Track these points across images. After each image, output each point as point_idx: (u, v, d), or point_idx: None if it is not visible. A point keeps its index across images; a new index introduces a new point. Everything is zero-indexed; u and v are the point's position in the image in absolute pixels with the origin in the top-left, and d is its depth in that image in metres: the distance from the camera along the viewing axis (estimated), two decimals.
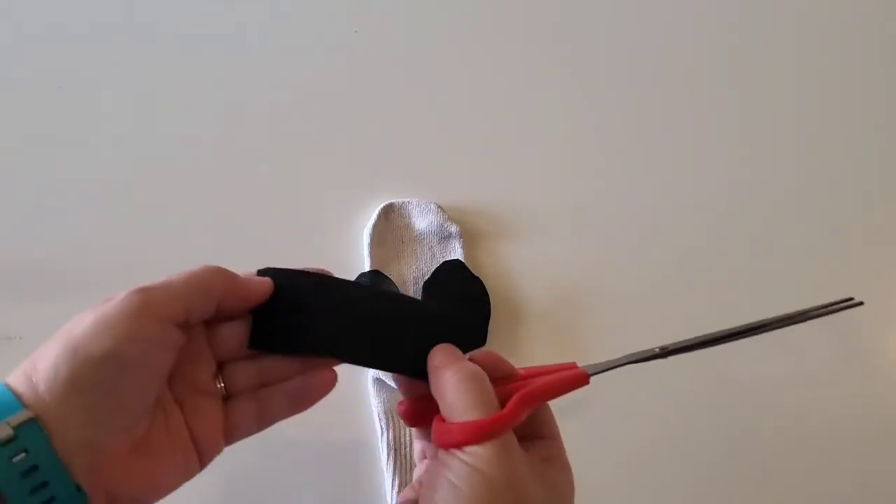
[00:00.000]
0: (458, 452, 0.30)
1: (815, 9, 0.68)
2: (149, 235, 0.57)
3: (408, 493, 0.35)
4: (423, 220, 0.58)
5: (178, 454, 0.30)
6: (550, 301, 0.58)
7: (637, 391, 0.57)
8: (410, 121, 0.62)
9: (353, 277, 0.56)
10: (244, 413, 0.33)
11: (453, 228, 0.58)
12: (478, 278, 0.57)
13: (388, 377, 0.54)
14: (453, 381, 0.33)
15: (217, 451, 0.32)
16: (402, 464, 0.54)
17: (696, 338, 0.38)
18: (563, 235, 0.60)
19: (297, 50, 0.63)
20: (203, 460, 0.31)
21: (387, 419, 0.54)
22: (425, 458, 0.37)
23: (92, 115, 0.59)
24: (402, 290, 0.56)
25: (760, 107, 0.65)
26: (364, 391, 0.55)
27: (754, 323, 0.40)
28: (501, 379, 0.36)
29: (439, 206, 0.58)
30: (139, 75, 0.62)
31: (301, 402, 0.34)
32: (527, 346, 0.57)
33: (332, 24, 0.64)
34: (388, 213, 0.58)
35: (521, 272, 0.59)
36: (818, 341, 0.60)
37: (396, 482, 0.53)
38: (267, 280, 0.33)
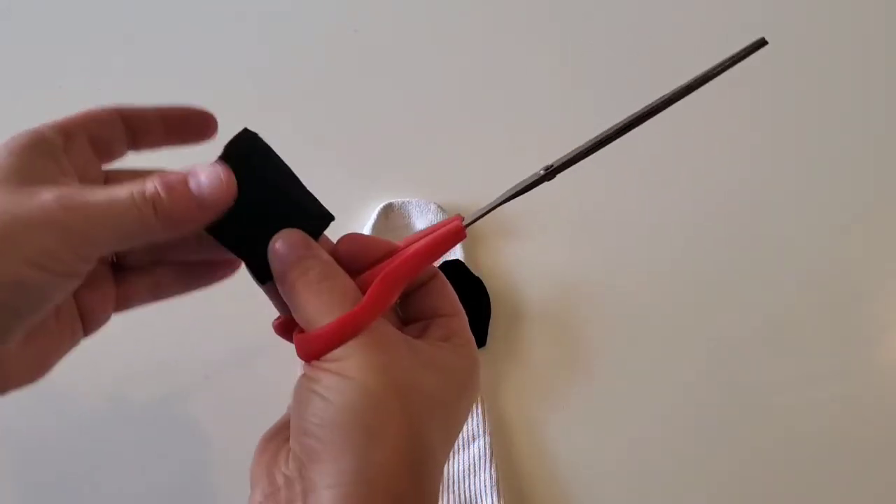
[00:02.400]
0: (320, 362, 0.26)
1: (815, 7, 0.68)
2: None
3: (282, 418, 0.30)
4: (423, 220, 0.58)
5: (65, 330, 0.28)
6: (550, 301, 0.58)
7: (638, 391, 0.57)
8: (410, 120, 0.62)
9: None
10: (138, 284, 0.30)
11: None
12: (478, 278, 0.57)
13: None
14: (300, 285, 0.27)
15: (104, 321, 0.30)
16: None
17: (585, 143, 0.32)
18: (563, 235, 0.60)
19: (296, 49, 0.63)
20: (88, 330, 0.29)
21: None
22: None
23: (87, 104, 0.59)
24: None
25: (761, 106, 0.65)
26: None
27: (654, 103, 0.33)
28: (378, 260, 0.30)
29: (439, 206, 0.58)
30: (138, 74, 0.62)
31: (199, 280, 0.32)
32: (527, 347, 0.57)
33: (332, 24, 0.64)
34: (388, 212, 0.58)
35: (521, 272, 0.59)
36: (819, 341, 0.59)
37: None
38: (227, 186, 0.27)
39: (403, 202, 0.58)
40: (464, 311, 0.32)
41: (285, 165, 0.31)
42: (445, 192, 0.59)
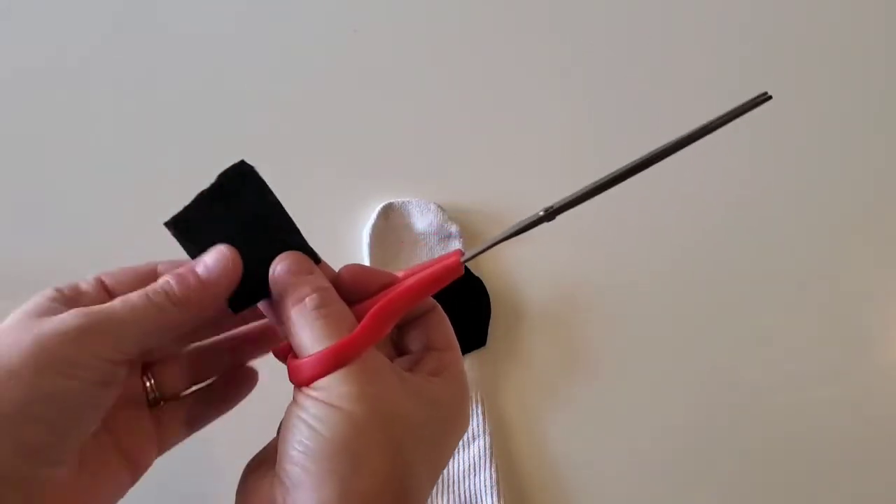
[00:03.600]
0: (309, 390, 0.26)
1: (815, 7, 0.68)
2: (149, 235, 0.56)
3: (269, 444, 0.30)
4: (422, 220, 0.58)
5: (109, 474, 0.28)
6: (551, 301, 0.58)
7: (638, 391, 0.57)
8: (410, 120, 0.62)
9: None
10: (173, 419, 0.31)
11: (453, 228, 0.58)
12: (478, 278, 0.57)
13: None
14: (295, 311, 0.27)
15: (149, 464, 0.30)
16: None
17: (585, 187, 0.33)
18: (563, 235, 0.60)
19: (296, 49, 0.63)
20: (135, 476, 0.29)
21: None
22: None
23: (92, 115, 0.59)
24: None
25: (761, 107, 0.65)
26: None
27: (655, 150, 0.34)
28: (378, 291, 0.30)
29: (439, 206, 0.58)
30: (137, 74, 0.62)
31: (227, 399, 0.32)
32: (527, 347, 0.57)
33: (332, 24, 0.64)
34: (388, 212, 0.58)
35: (521, 272, 0.59)
36: (819, 341, 0.59)
37: None
38: (232, 266, 0.28)
39: (403, 202, 0.58)
40: (458, 346, 0.31)
41: (278, 203, 0.30)
42: (445, 192, 0.59)
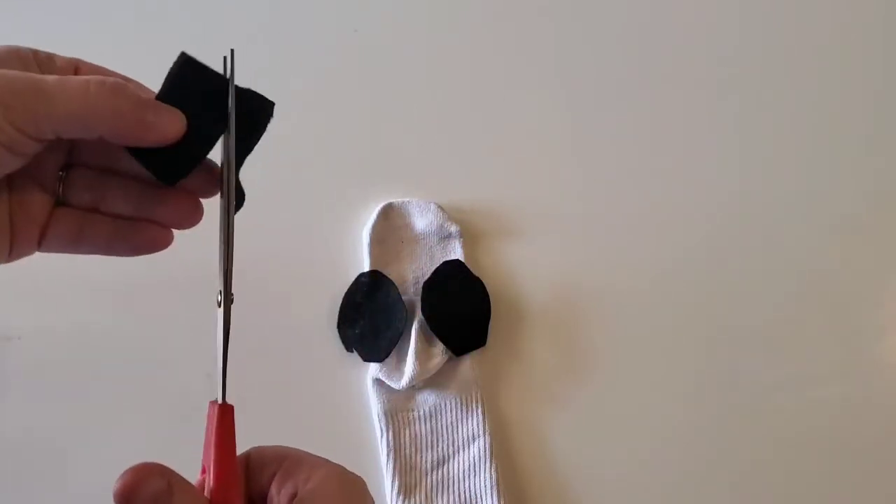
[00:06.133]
0: None
1: (815, 6, 0.68)
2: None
3: None
4: (422, 220, 0.58)
5: None
6: (551, 301, 0.58)
7: (638, 391, 0.57)
8: (410, 120, 0.62)
9: (352, 278, 0.56)
10: (65, 225, 0.30)
11: (453, 228, 0.58)
12: (478, 278, 0.57)
13: (388, 378, 0.54)
14: None
15: (29, 250, 0.29)
16: (401, 464, 0.53)
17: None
18: (563, 235, 0.60)
19: (296, 49, 0.63)
20: (12, 253, 0.29)
21: (387, 420, 0.54)
22: None
23: None
24: (401, 290, 0.55)
25: (762, 106, 0.65)
26: (364, 392, 0.55)
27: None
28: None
29: (439, 206, 0.58)
30: (136, 73, 0.62)
31: (124, 243, 0.31)
32: (527, 347, 0.57)
33: (332, 24, 0.64)
34: (388, 212, 0.58)
35: (521, 272, 0.59)
36: (819, 342, 0.59)
37: (396, 483, 0.53)
38: (176, 124, 0.28)
39: (403, 202, 0.58)
40: (324, 465, 0.28)
41: (216, 74, 0.30)
42: (445, 192, 0.59)
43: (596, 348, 0.58)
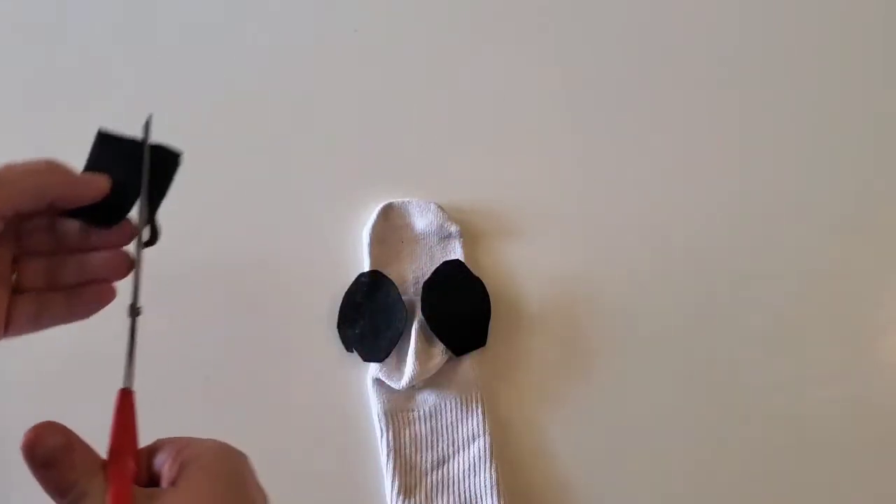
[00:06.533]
0: None
1: (815, 6, 0.68)
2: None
3: None
4: (422, 220, 0.58)
5: None
6: (551, 301, 0.58)
7: (638, 391, 0.57)
8: (410, 120, 0.62)
9: (352, 278, 0.56)
10: (24, 309, 0.33)
11: (453, 228, 0.58)
12: (478, 278, 0.57)
13: (388, 378, 0.54)
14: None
15: None
16: (401, 464, 0.53)
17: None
18: (563, 235, 0.60)
19: (296, 49, 0.63)
20: None
21: (387, 420, 0.54)
22: None
23: (89, 113, 0.59)
24: (401, 290, 0.55)
25: (762, 106, 0.65)
26: (364, 392, 0.55)
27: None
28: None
29: (439, 206, 0.58)
30: (136, 73, 0.62)
31: (79, 308, 0.35)
32: (527, 347, 0.57)
33: (332, 24, 0.64)
34: (388, 212, 0.58)
35: (521, 272, 0.59)
36: (819, 342, 0.59)
37: (396, 483, 0.53)
38: (104, 182, 0.33)
39: (403, 202, 0.58)
40: (209, 440, 0.30)
41: (129, 140, 0.35)
42: (445, 192, 0.59)
43: (596, 348, 0.58)
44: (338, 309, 0.56)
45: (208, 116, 0.60)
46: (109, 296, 0.35)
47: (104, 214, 0.34)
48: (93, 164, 0.34)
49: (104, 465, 0.28)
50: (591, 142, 0.63)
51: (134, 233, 0.35)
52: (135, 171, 0.34)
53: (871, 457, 0.57)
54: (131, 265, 0.35)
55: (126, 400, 0.31)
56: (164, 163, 0.35)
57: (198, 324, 0.56)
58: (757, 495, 0.56)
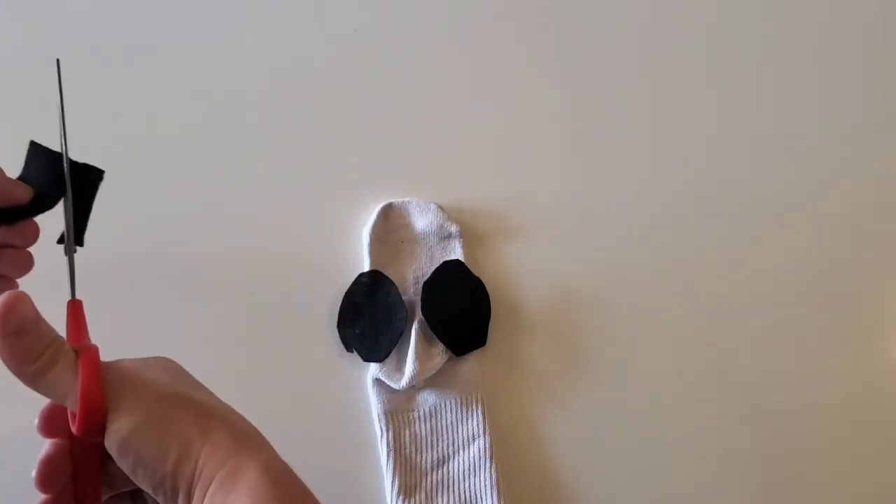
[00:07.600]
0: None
1: (815, 6, 0.68)
2: (148, 235, 0.57)
3: None
4: (422, 220, 0.58)
5: None
6: (551, 301, 0.58)
7: (638, 391, 0.57)
8: (410, 120, 0.62)
9: (352, 278, 0.56)
10: None
11: (453, 228, 0.58)
12: (478, 278, 0.57)
13: (388, 378, 0.54)
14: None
15: None
16: (402, 464, 0.53)
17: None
18: (563, 235, 0.60)
19: (296, 49, 0.63)
20: None
21: (387, 419, 0.54)
22: None
23: (90, 114, 0.59)
24: (401, 290, 0.55)
25: (762, 106, 0.65)
26: (364, 392, 0.55)
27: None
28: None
29: (439, 206, 0.58)
30: (137, 73, 0.62)
31: None
32: (527, 347, 0.57)
33: (332, 24, 0.64)
34: (388, 212, 0.58)
35: (521, 272, 0.59)
36: (819, 342, 0.59)
37: (396, 483, 0.53)
38: (26, 194, 0.36)
39: (403, 202, 0.58)
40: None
41: (54, 152, 0.38)
42: (445, 192, 0.59)
43: (596, 348, 0.58)
44: (338, 309, 0.56)
45: (208, 116, 0.60)
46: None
47: (10, 215, 0.37)
48: (22, 172, 0.38)
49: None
50: (591, 142, 0.63)
51: (37, 234, 0.38)
52: (55, 182, 0.37)
53: (871, 456, 0.58)
54: (31, 264, 0.38)
55: (76, 308, 0.33)
56: (86, 176, 0.38)
57: (197, 323, 0.56)
58: (757, 495, 0.56)
